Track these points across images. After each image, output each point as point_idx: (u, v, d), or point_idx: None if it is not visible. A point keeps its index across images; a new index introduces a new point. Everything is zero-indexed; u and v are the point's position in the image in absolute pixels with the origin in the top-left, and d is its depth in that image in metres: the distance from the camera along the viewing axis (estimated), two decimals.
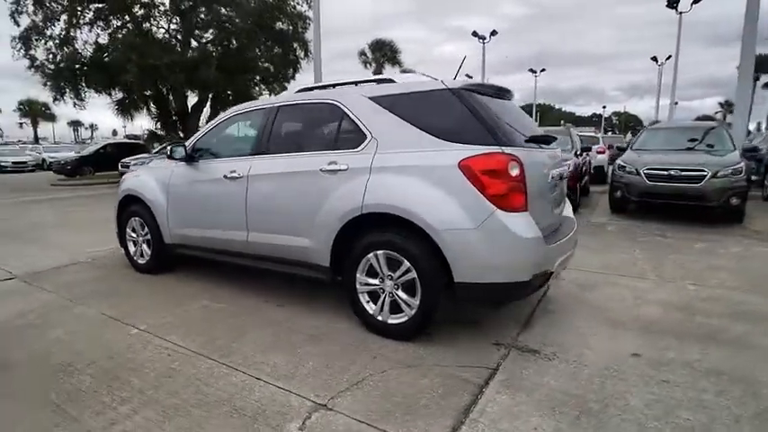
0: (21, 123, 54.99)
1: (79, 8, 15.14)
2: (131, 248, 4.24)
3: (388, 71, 42.87)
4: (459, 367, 2.35)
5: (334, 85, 3.21)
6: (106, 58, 15.46)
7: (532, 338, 2.71)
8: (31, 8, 15.07)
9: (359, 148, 2.75)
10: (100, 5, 15.15)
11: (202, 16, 16.95)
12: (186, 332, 2.83)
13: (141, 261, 4.16)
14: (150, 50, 13.80)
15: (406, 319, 2.61)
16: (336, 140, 2.91)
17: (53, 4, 15.13)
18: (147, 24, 16.51)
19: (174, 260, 4.10)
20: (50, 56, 14.92)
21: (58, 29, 14.85)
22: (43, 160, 23.45)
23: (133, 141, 20.93)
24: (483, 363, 2.39)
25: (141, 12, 16.25)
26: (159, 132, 19.71)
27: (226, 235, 3.42)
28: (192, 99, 18.43)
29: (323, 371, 2.33)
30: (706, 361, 2.41)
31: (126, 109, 17.67)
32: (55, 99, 16.99)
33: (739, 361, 2.41)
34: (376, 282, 2.70)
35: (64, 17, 14.91)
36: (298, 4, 18.11)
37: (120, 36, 15.72)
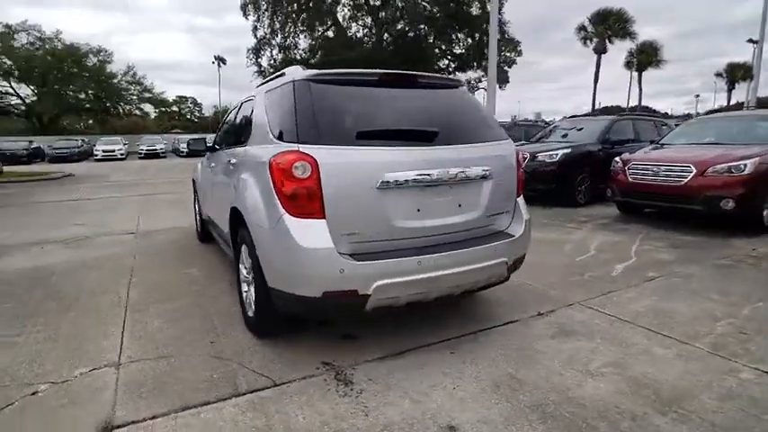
0: None
1: (296, 16, 19.24)
2: (196, 220, 5.55)
3: (617, 46, 36.98)
4: (253, 372, 2.39)
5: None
6: (311, 60, 19.12)
7: (373, 370, 2.43)
8: (266, 21, 20.02)
9: (246, 143, 2.99)
10: (307, 14, 18.75)
11: (392, 13, 18.88)
12: (145, 289, 3.70)
13: (199, 231, 5.42)
14: (335, 49, 16.31)
15: (252, 314, 2.76)
16: (245, 134, 3.20)
17: (280, 16, 19.67)
18: (354, 25, 19.62)
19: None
20: (272, 61, 19.46)
21: (279, 38, 19.21)
22: None
23: None
24: (277, 376, 2.35)
25: (348, 13, 19.44)
26: None
27: (211, 214, 4.18)
28: None
29: (165, 340, 2.77)
30: None
31: None
32: None
33: None
34: (246, 273, 2.92)
35: (284, 28, 19.19)
36: None
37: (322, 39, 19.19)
